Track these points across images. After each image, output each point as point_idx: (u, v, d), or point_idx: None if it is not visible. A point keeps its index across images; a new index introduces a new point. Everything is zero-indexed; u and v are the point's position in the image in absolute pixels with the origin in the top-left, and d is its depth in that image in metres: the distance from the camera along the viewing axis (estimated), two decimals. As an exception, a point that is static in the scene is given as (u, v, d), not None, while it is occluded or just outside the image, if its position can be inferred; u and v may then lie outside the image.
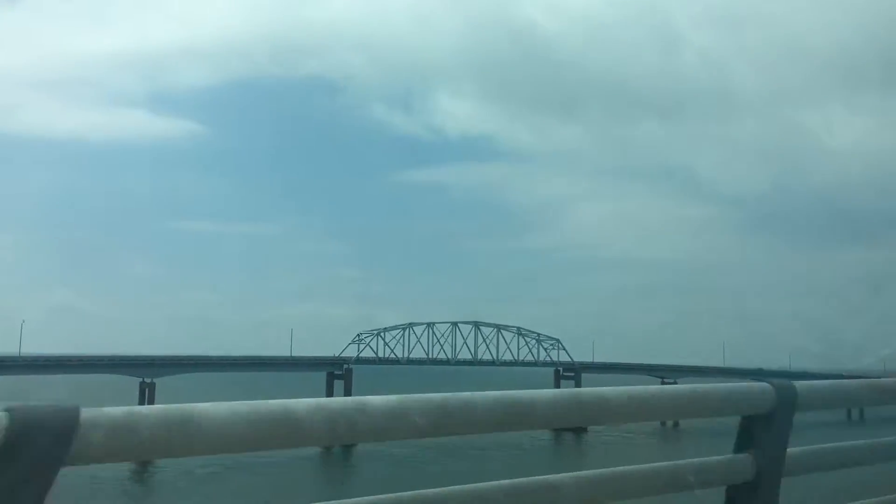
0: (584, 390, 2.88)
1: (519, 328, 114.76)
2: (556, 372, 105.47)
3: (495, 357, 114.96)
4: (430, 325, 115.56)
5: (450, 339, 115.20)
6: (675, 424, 67.05)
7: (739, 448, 3.24)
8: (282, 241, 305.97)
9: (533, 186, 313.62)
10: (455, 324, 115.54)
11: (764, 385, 3.25)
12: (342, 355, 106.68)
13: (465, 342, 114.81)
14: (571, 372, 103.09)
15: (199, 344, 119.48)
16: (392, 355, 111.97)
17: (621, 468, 2.95)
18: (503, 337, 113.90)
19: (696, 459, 3.17)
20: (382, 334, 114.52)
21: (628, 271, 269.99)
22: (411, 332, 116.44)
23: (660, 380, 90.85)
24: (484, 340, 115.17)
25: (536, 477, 2.72)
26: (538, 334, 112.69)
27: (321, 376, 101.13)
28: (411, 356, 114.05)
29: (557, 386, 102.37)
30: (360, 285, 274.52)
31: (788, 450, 3.29)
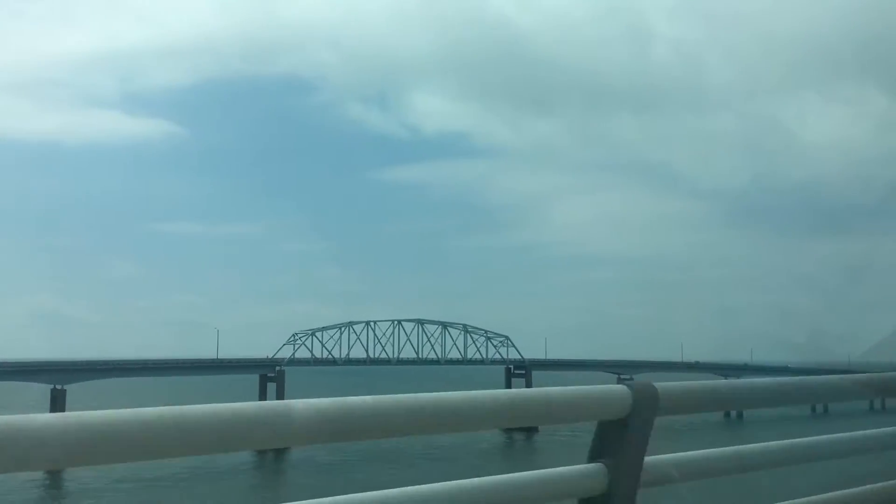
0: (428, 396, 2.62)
1: (465, 325, 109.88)
2: (507, 370, 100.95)
3: (439, 356, 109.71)
4: (368, 323, 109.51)
5: (392, 339, 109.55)
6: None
7: (593, 457, 2.95)
8: (265, 242, 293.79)
9: (512, 183, 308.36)
10: (399, 322, 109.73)
11: (622, 387, 3.00)
12: (276, 357, 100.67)
13: (409, 341, 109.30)
14: (522, 370, 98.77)
15: (186, 347, 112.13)
16: (329, 356, 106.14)
17: (455, 482, 2.65)
18: (449, 334, 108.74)
19: (543, 470, 2.90)
20: (320, 334, 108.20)
21: (610, 267, 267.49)
22: (350, 331, 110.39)
23: (616, 376, 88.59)
24: (428, 339, 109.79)
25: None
26: (486, 331, 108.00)
27: (254, 379, 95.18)
28: (351, 356, 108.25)
29: (508, 384, 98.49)
30: (345, 284, 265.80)
31: (647, 458, 3.01)
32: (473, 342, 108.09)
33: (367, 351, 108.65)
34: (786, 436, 3.85)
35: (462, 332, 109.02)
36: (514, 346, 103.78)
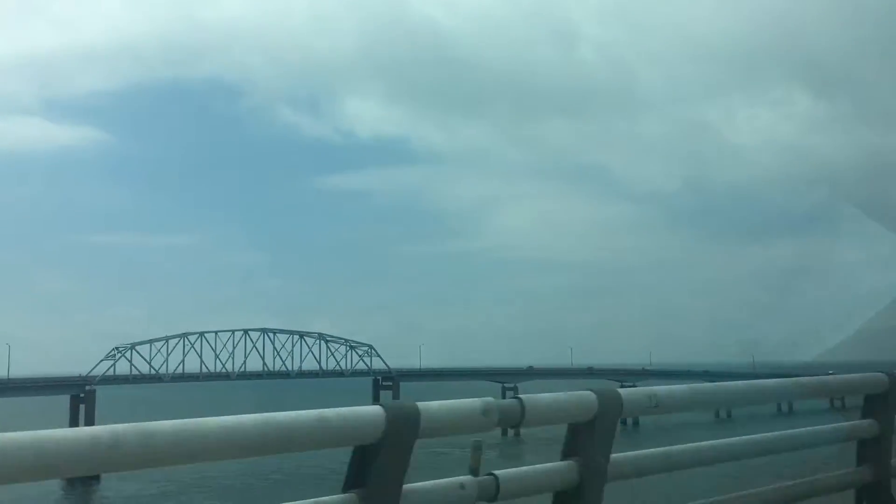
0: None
1: (321, 334, 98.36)
2: (375, 381, 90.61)
3: (290, 368, 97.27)
4: (202, 334, 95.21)
5: (232, 350, 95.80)
6: (517, 433, 59.22)
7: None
8: (202, 252, 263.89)
9: (452, 189, 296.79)
10: (245, 331, 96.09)
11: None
12: (91, 374, 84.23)
13: (256, 351, 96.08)
14: (389, 381, 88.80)
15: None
16: (154, 371, 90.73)
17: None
18: (305, 344, 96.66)
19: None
20: (146, 347, 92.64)
21: (548, 272, 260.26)
22: (185, 342, 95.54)
23: (500, 385, 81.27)
24: (275, 349, 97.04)
25: None
26: (347, 340, 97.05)
27: (63, 400, 79.38)
28: (186, 371, 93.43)
29: (377, 396, 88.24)
30: (287, 295, 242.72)
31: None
32: (332, 353, 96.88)
33: (204, 365, 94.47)
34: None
35: (318, 342, 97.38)
36: (378, 355, 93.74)
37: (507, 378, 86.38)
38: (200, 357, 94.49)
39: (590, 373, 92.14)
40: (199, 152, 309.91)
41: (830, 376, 4.72)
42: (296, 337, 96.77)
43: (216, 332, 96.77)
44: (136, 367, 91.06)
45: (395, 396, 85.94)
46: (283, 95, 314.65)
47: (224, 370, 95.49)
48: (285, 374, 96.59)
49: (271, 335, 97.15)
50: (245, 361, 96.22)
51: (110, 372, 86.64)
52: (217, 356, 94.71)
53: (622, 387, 3.97)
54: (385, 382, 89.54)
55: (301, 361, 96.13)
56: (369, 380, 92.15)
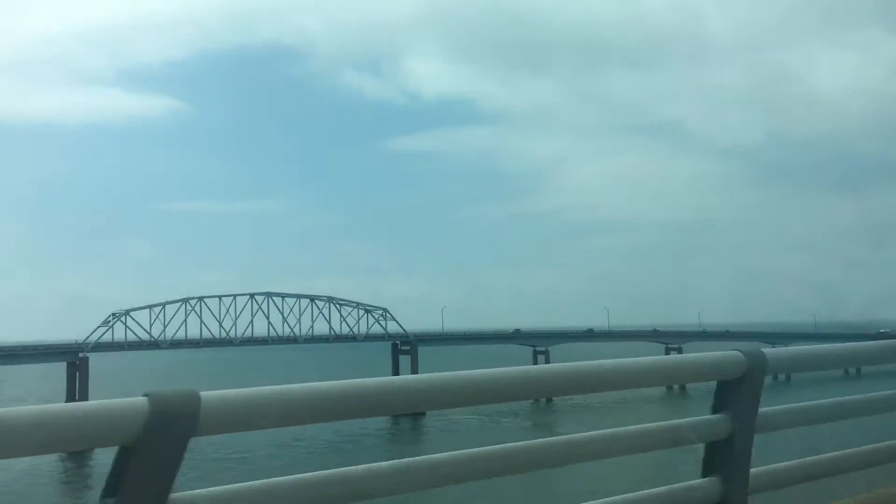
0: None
1: (331, 297, 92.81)
2: (394, 346, 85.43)
3: (298, 333, 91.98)
4: (200, 299, 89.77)
5: (234, 314, 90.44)
6: (549, 400, 60.53)
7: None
8: (279, 217, 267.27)
9: (521, 148, 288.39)
10: (252, 295, 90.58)
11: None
12: (86, 341, 79.14)
13: (263, 315, 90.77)
14: (407, 346, 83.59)
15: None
16: (152, 337, 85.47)
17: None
18: (316, 307, 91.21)
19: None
20: (148, 311, 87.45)
21: (625, 233, 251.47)
22: (186, 307, 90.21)
23: (531, 349, 76.55)
24: (281, 314, 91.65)
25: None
26: (358, 304, 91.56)
27: (60, 367, 75.82)
28: (189, 336, 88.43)
29: (396, 361, 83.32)
30: (364, 257, 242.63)
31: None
32: (343, 317, 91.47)
33: (201, 330, 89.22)
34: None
35: (328, 305, 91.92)
36: (394, 318, 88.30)
37: (538, 341, 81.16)
38: (201, 321, 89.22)
39: (655, 334, 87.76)
40: (266, 118, 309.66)
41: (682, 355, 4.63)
42: (305, 301, 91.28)
43: (220, 297, 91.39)
44: (134, 334, 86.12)
45: (414, 361, 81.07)
46: (345, 59, 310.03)
47: (226, 336, 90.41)
48: (292, 340, 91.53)
49: (278, 299, 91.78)
50: (250, 327, 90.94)
51: (108, 338, 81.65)
52: (220, 322, 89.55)
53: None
54: (403, 347, 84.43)
55: (311, 326, 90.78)
56: (387, 345, 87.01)
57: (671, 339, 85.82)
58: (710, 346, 78.64)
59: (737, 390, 3.51)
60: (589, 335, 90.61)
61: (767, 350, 3.73)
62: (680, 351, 76.31)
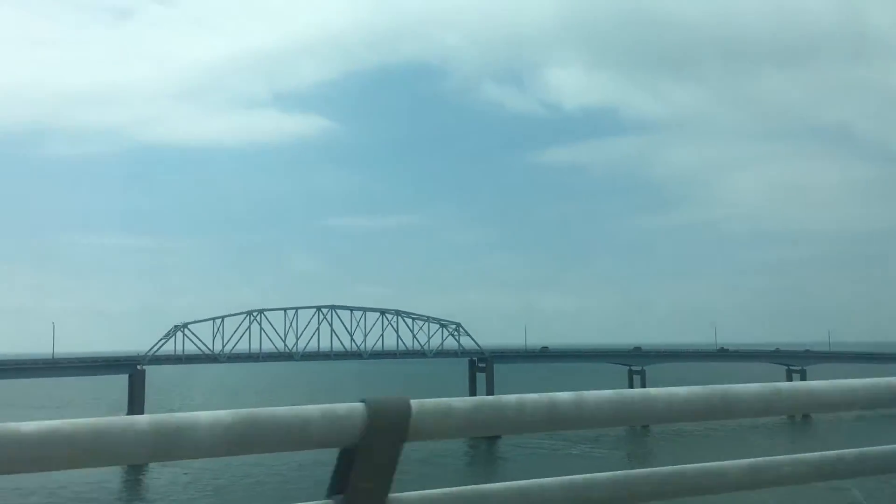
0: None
1: (399, 311, 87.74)
2: (472, 363, 79.79)
3: (365, 348, 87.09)
4: (261, 312, 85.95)
5: (297, 328, 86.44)
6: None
7: None
8: (430, 231, 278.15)
9: (671, 157, 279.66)
10: (318, 308, 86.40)
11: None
12: (151, 353, 76.80)
13: (332, 329, 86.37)
14: (483, 363, 77.72)
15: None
16: (210, 350, 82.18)
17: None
18: (386, 320, 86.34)
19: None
20: (212, 324, 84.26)
21: (794, 243, 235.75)
22: (249, 319, 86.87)
23: (627, 368, 69.73)
24: (345, 327, 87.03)
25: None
26: (429, 318, 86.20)
27: (122, 380, 74.17)
28: (247, 350, 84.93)
29: (473, 379, 77.84)
30: (516, 271, 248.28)
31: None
32: (412, 331, 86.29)
33: (261, 343, 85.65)
34: None
35: (396, 318, 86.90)
36: (468, 333, 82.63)
37: (632, 360, 74.11)
38: (261, 335, 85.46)
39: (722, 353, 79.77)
40: (411, 133, 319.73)
41: None
42: (374, 314, 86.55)
43: (285, 310, 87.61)
44: (195, 346, 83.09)
45: (490, 379, 75.36)
46: (486, 71, 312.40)
47: (287, 350, 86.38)
48: (356, 355, 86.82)
49: (345, 312, 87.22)
50: (315, 340, 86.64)
51: (170, 350, 78.70)
52: (283, 336, 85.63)
53: None
54: (480, 364, 78.60)
55: (382, 339, 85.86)
56: (462, 361, 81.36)
57: (792, 360, 77.38)
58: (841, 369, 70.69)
59: None
60: (695, 354, 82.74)
61: None
62: (643, 376, 68.60)
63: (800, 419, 52.71)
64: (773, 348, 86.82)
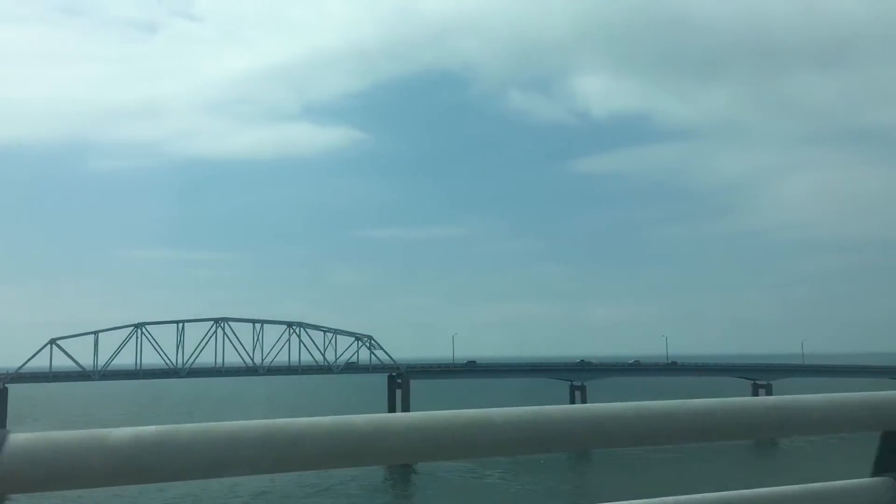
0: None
1: (301, 322, 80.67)
2: (391, 378, 73.61)
3: (258, 363, 79.34)
4: (138, 326, 77.40)
5: (183, 342, 78.33)
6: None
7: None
8: (469, 242, 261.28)
9: (710, 164, 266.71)
10: (216, 321, 78.22)
11: None
12: (22, 370, 68.94)
13: (238, 342, 78.52)
14: (399, 378, 71.85)
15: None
16: (81, 368, 74.01)
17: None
18: (294, 333, 79.01)
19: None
20: (89, 339, 75.39)
21: (841, 252, 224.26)
22: (137, 335, 78.26)
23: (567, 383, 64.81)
24: (230, 341, 79.25)
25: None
26: (336, 330, 79.66)
27: None
28: (143, 365, 76.68)
29: (392, 396, 71.57)
30: (558, 281, 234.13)
31: None
32: (318, 345, 79.43)
33: (141, 359, 77.77)
34: None
35: (300, 330, 79.58)
36: (381, 347, 76.47)
37: (574, 375, 69.60)
38: (141, 350, 76.48)
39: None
40: (440, 143, 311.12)
41: None
42: (279, 327, 79.24)
43: (178, 323, 79.28)
44: (74, 360, 73.75)
45: (406, 396, 69.40)
46: (510, 79, 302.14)
47: (172, 367, 77.68)
48: (252, 371, 78.86)
49: (239, 325, 79.15)
50: (212, 355, 78.23)
51: (20, 367, 68.98)
52: (160, 350, 77.06)
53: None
54: (398, 379, 72.68)
55: (288, 355, 78.45)
56: (378, 376, 75.20)
57: (757, 374, 74.53)
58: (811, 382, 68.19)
59: None
60: (635, 367, 79.02)
61: None
62: (769, 390, 65.99)
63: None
64: (727, 362, 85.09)
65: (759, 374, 76.51)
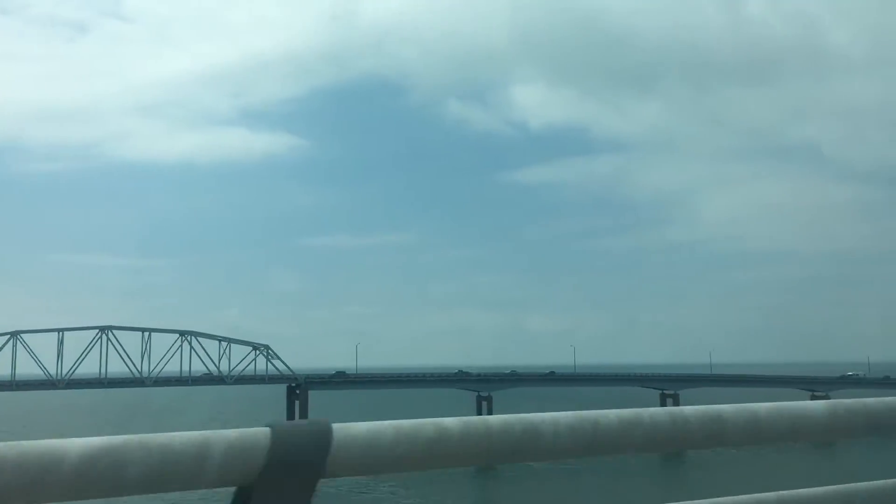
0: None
1: (188, 331, 76.06)
2: (290, 389, 70.17)
3: (147, 373, 74.38)
4: (14, 335, 70.84)
5: (63, 352, 72.48)
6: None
7: None
8: (410, 250, 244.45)
9: (646, 176, 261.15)
10: (103, 329, 72.77)
11: None
12: None
13: (124, 352, 73.35)
14: (298, 389, 68.69)
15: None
16: None
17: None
18: (192, 344, 74.02)
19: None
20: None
21: (774, 264, 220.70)
22: (16, 342, 72.05)
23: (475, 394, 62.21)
24: (116, 350, 73.74)
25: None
26: (230, 339, 76.12)
27: None
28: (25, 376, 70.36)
29: (291, 407, 67.62)
30: (498, 290, 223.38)
31: None
32: (210, 355, 74.93)
33: (13, 371, 70.99)
34: None
35: (191, 339, 74.56)
36: (278, 356, 72.61)
37: (481, 385, 67.09)
38: (14, 360, 70.03)
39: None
40: (378, 150, 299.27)
41: None
42: (169, 336, 74.15)
43: (59, 331, 72.94)
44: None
45: (304, 407, 65.74)
46: (447, 88, 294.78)
47: (49, 378, 71.48)
48: (139, 382, 73.38)
49: (112, 334, 73.37)
50: (94, 365, 72.25)
51: None
52: (35, 359, 70.94)
53: None
54: (297, 390, 69.05)
55: (179, 365, 73.35)
56: (276, 387, 71.32)
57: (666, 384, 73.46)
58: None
59: None
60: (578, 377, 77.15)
61: None
62: (676, 400, 65.09)
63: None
64: (637, 371, 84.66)
65: (667, 384, 76.25)
